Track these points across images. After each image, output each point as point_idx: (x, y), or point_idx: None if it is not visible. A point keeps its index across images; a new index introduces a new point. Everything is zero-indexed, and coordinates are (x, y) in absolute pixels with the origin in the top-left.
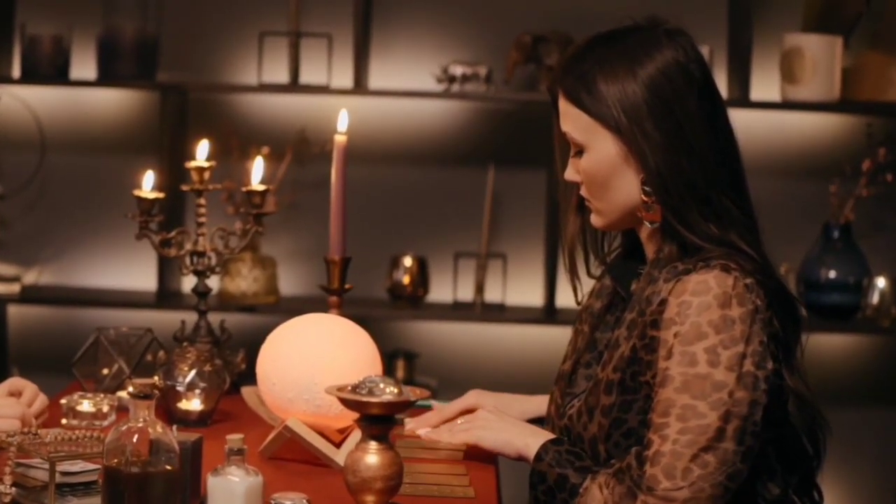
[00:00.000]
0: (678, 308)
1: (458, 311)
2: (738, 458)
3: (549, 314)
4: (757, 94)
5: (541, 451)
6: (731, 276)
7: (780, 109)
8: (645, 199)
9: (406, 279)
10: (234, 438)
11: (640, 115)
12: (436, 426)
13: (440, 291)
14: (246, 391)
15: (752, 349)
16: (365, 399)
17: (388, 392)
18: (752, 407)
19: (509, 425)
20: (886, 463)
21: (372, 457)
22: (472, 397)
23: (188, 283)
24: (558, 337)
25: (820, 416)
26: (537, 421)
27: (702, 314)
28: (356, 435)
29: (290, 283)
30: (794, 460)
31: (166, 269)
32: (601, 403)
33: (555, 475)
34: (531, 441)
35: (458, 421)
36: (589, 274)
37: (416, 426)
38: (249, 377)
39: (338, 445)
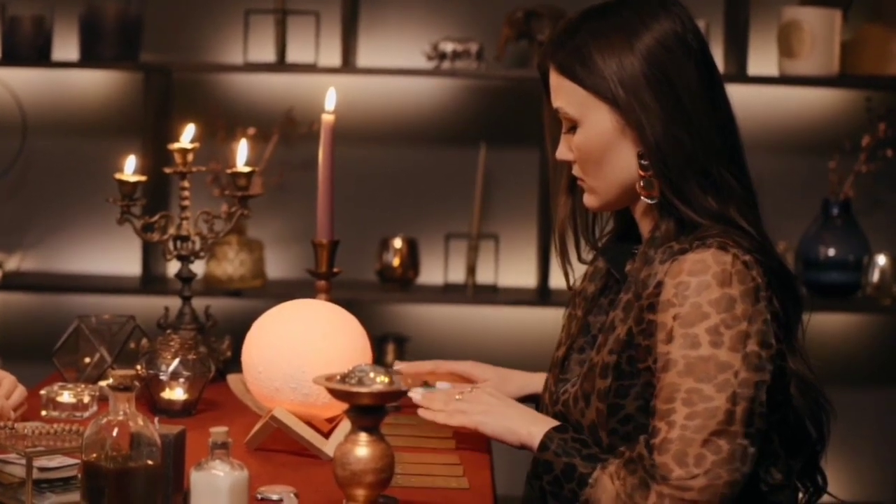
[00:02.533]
0: (675, 289)
1: (449, 293)
2: (748, 441)
3: (542, 295)
4: (754, 68)
5: (545, 440)
6: (729, 254)
7: (777, 84)
8: (642, 173)
9: (396, 261)
10: (219, 431)
11: (638, 87)
12: (429, 372)
13: (431, 273)
14: (232, 379)
15: (756, 328)
16: (354, 389)
17: (379, 381)
18: (758, 388)
19: (512, 411)
20: (887, 443)
21: (362, 449)
22: (467, 365)
23: (174, 267)
24: (552, 318)
25: (823, 399)
26: (535, 398)
27: (701, 294)
28: (345, 424)
29: (277, 267)
30: (797, 445)
31: (151, 253)
32: (597, 387)
33: (562, 465)
34: (534, 429)
35: (456, 395)
36: (580, 259)
37: (406, 368)
38: (235, 364)
39: (326, 435)
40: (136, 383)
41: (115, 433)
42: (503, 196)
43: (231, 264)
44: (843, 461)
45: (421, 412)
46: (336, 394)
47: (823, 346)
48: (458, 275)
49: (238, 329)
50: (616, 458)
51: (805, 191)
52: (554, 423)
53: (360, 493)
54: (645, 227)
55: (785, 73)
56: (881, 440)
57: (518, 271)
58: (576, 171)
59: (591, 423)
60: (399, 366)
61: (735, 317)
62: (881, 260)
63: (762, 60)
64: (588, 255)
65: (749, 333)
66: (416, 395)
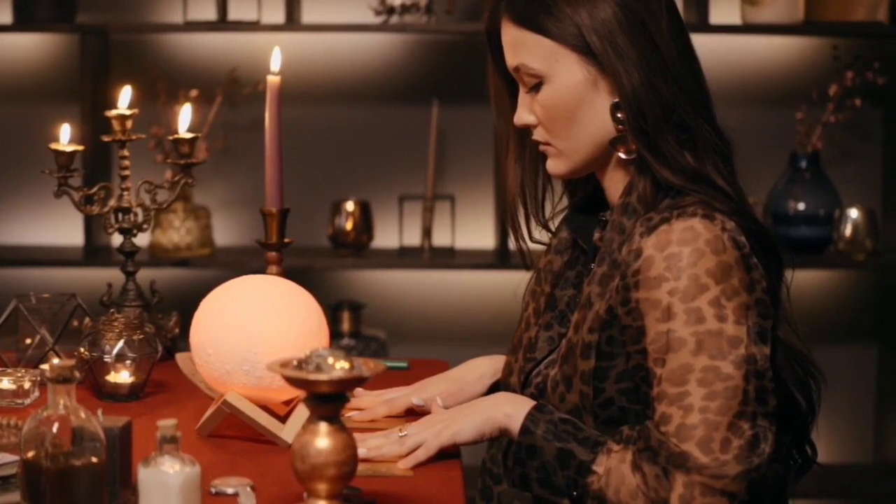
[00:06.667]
0: (666, 262)
1: (404, 257)
2: (768, 421)
3: (501, 258)
4: (716, 17)
5: (528, 423)
6: (716, 220)
7: (740, 33)
8: (618, 127)
9: (349, 225)
10: (167, 425)
11: (612, 33)
12: (385, 417)
13: (385, 237)
14: (181, 358)
15: (756, 297)
16: (312, 377)
17: (338, 367)
18: (766, 362)
19: (474, 404)
20: (862, 400)
21: (322, 440)
22: (415, 390)
23: (119, 237)
24: (512, 281)
25: (814, 368)
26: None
27: (697, 264)
28: (302, 409)
29: (225, 234)
30: (786, 418)
31: (93, 222)
32: (580, 369)
33: (554, 450)
34: (511, 410)
35: (400, 431)
36: (531, 238)
37: (360, 416)
38: (184, 341)
39: (283, 420)
40: (77, 374)
41: (55, 429)
42: (458, 155)
43: (177, 232)
44: (819, 421)
45: (365, 453)
46: (293, 381)
47: (795, 303)
48: (413, 238)
49: (186, 302)
50: (616, 441)
51: (772, 143)
52: (529, 401)
53: (322, 487)
54: (614, 191)
55: (748, 21)
56: (857, 399)
57: (475, 233)
58: (539, 135)
59: (573, 407)
60: (352, 413)
61: (734, 287)
62: (853, 213)
63: (724, 9)
64: (540, 234)
65: (750, 304)
66: (362, 452)
